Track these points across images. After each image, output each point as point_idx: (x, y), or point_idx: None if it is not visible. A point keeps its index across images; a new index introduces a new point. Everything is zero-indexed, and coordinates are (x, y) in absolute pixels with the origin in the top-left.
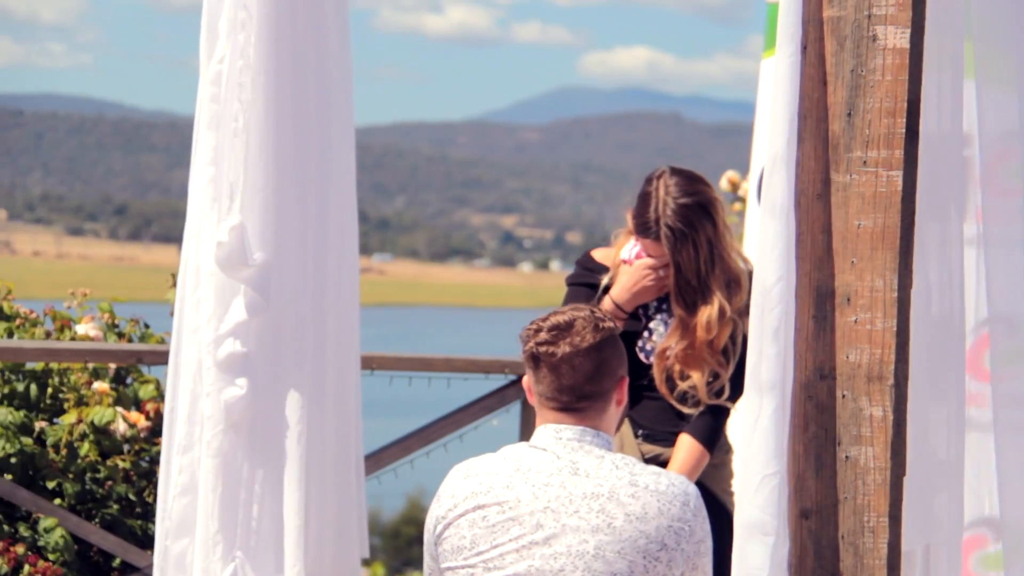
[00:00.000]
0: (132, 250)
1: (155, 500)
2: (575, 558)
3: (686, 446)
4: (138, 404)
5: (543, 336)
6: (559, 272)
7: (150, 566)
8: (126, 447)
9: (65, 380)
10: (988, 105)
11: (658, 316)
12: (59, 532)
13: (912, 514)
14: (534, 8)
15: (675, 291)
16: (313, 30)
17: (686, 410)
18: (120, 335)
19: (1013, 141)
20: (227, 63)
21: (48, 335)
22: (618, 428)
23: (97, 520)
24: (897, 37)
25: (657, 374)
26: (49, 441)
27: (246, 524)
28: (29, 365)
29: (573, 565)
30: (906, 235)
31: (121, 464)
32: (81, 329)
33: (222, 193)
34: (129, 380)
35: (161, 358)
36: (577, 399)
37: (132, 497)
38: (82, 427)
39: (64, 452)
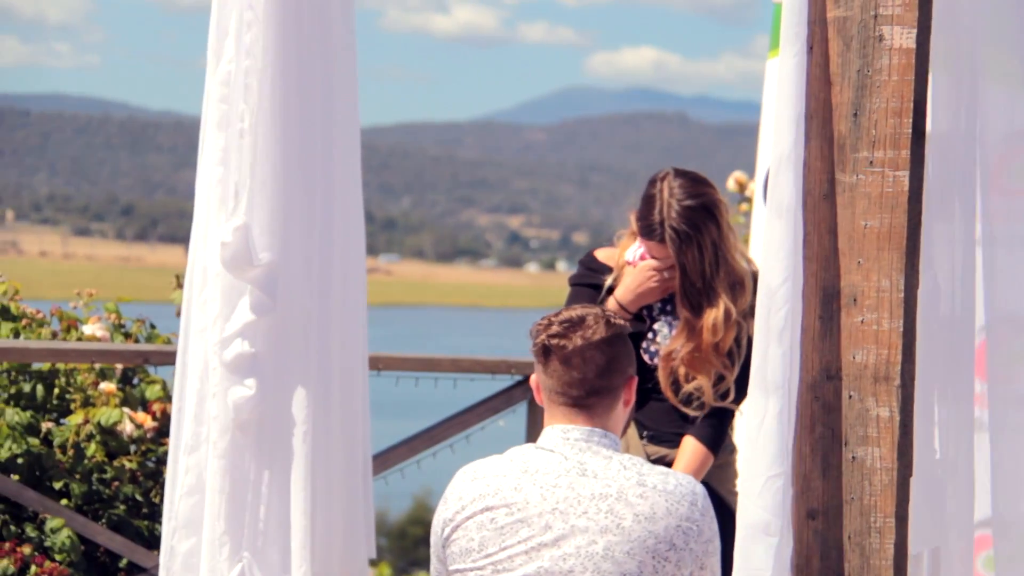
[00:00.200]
0: (138, 250)
1: (162, 501)
2: (584, 559)
3: (690, 449)
4: (145, 405)
5: (555, 329)
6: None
7: (156, 567)
8: (133, 448)
9: (72, 380)
10: (992, 105)
11: (662, 318)
12: (65, 532)
13: (920, 516)
14: (541, 8)
15: (681, 293)
16: (319, 30)
17: (690, 412)
18: (126, 335)
19: (1018, 141)
20: (235, 63)
21: (54, 335)
22: (624, 431)
23: (104, 520)
24: (903, 37)
25: (662, 377)
26: (56, 442)
27: (253, 525)
28: (36, 365)
29: (583, 566)
30: (912, 235)
31: (128, 465)
32: (88, 329)
33: (229, 194)
34: (136, 380)
35: (167, 358)
36: (587, 394)
37: (139, 498)
38: (89, 428)
39: (71, 453)
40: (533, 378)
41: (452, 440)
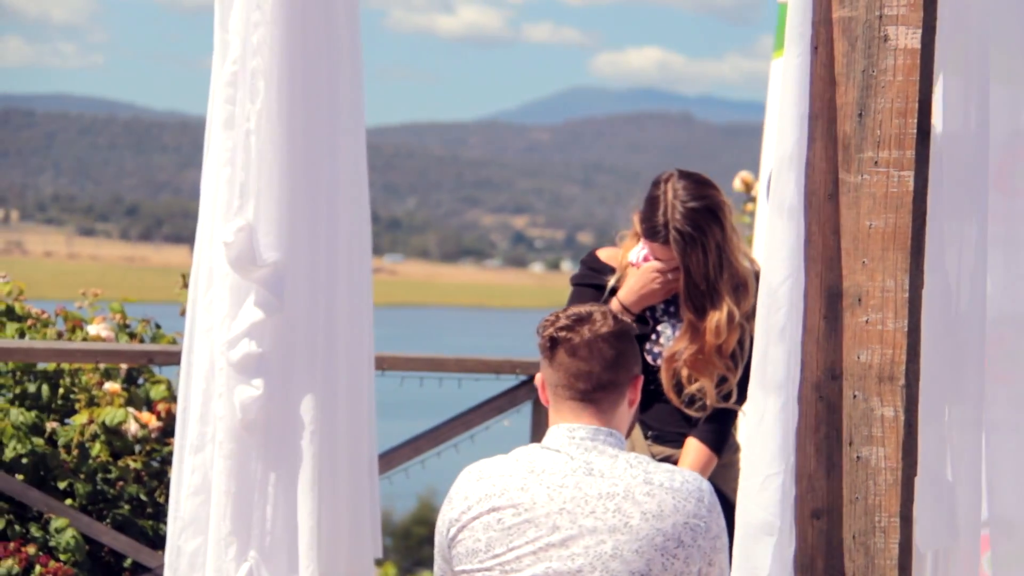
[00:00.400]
0: (143, 250)
1: (166, 500)
2: (593, 559)
3: (693, 450)
4: (149, 404)
5: (562, 322)
6: (570, 272)
7: (161, 566)
8: (137, 447)
9: (76, 380)
10: (995, 105)
11: (665, 319)
12: (70, 532)
13: (929, 516)
14: (545, 8)
15: (684, 295)
16: (325, 30)
17: (693, 413)
18: (131, 335)
19: (1020, 141)
20: (240, 63)
21: (60, 335)
22: (629, 433)
23: (108, 520)
24: (908, 37)
25: (665, 378)
26: (60, 441)
27: (260, 525)
28: (41, 365)
29: (591, 566)
30: (917, 235)
31: (132, 464)
32: (93, 329)
33: (235, 194)
34: (140, 380)
35: (172, 358)
36: (593, 388)
37: (143, 497)
38: (93, 427)
39: (75, 452)
40: (538, 377)
41: (457, 440)
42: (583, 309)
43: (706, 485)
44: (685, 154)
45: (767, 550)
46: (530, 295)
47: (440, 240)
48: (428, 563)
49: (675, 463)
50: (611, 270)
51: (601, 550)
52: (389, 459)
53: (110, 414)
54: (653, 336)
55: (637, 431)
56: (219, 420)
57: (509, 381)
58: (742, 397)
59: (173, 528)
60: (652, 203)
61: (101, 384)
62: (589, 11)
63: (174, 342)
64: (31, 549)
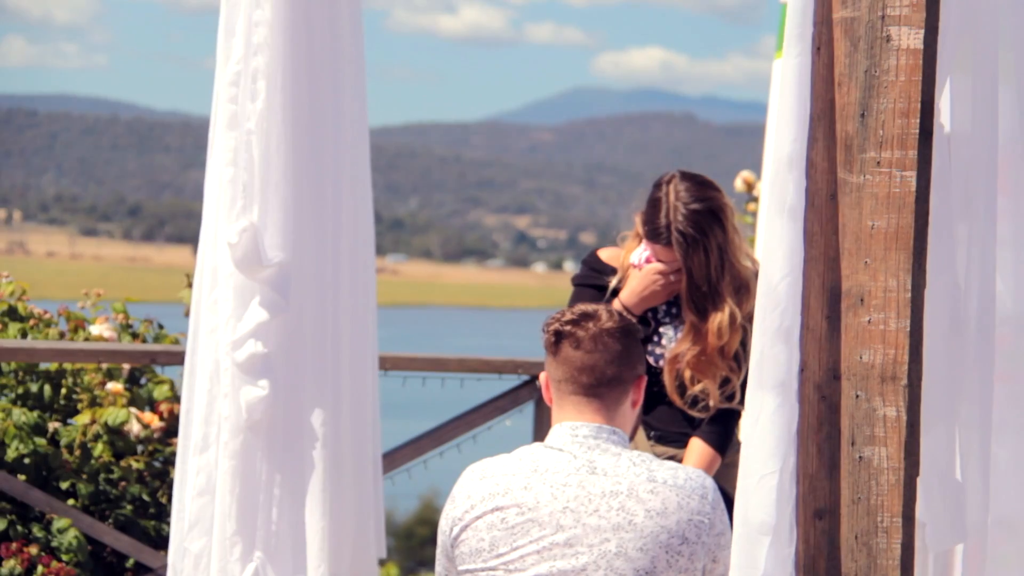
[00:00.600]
0: (145, 251)
1: (169, 501)
2: (597, 557)
3: (697, 450)
4: (152, 405)
5: (568, 317)
6: (572, 272)
7: (164, 567)
8: (140, 448)
9: (79, 381)
10: (1004, 106)
11: (667, 321)
12: (72, 533)
13: (938, 516)
14: (548, 8)
15: (686, 297)
16: (328, 30)
17: (696, 414)
18: (134, 335)
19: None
20: (243, 63)
21: (62, 336)
22: (633, 435)
23: (111, 521)
24: (911, 38)
25: (668, 380)
26: (63, 442)
27: (266, 525)
28: (43, 366)
29: (595, 564)
30: (919, 236)
31: (135, 465)
32: (95, 330)
33: (238, 194)
34: (143, 381)
35: (175, 359)
36: (596, 383)
37: (146, 498)
38: (96, 428)
39: (78, 453)
40: (542, 376)
41: (459, 440)
42: (589, 307)
43: (710, 482)
44: (688, 154)
45: (763, 550)
46: (532, 295)
47: (443, 240)
48: (430, 563)
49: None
50: (612, 270)
51: (605, 548)
52: (391, 459)
53: (112, 414)
54: (655, 338)
55: (640, 432)
56: (224, 420)
57: (511, 381)
58: (745, 397)
59: (177, 529)
60: (654, 205)
61: (103, 384)
62: (591, 11)
63: (177, 342)
64: (33, 549)
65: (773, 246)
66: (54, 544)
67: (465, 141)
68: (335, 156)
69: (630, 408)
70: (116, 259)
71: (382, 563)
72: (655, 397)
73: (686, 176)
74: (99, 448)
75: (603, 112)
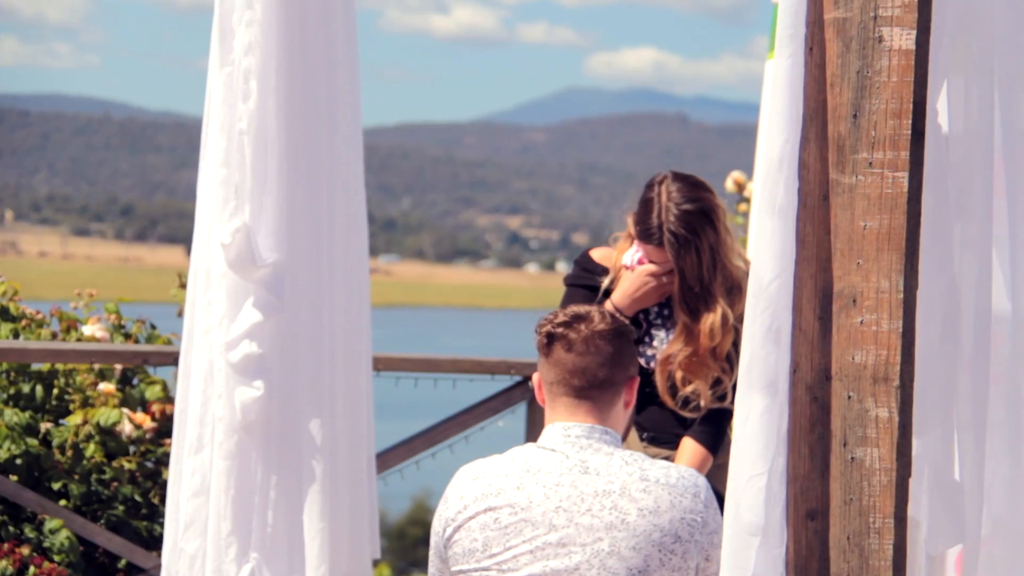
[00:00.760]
0: (138, 251)
1: (161, 501)
2: (591, 556)
3: (689, 450)
4: (144, 405)
5: (560, 319)
6: (565, 273)
7: (156, 567)
8: (132, 448)
9: (71, 381)
10: (1000, 106)
11: (659, 322)
12: (64, 533)
13: (937, 517)
14: (540, 9)
15: (678, 298)
16: (321, 31)
17: (688, 414)
18: (126, 336)
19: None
20: (236, 64)
21: (54, 336)
22: (625, 436)
23: (103, 521)
24: (903, 38)
25: (660, 381)
26: (55, 442)
27: (262, 526)
28: (35, 366)
29: (588, 564)
30: (912, 236)
31: (127, 465)
32: (87, 330)
33: (231, 195)
34: (135, 381)
35: (167, 359)
36: (588, 385)
37: (138, 498)
38: (88, 428)
39: (70, 453)
40: (535, 377)
41: (451, 441)
42: (582, 309)
43: (702, 481)
44: (680, 155)
45: (753, 550)
46: (525, 296)
47: (435, 240)
48: (423, 564)
49: None
50: (604, 271)
51: (598, 548)
52: (384, 460)
53: (104, 415)
54: (646, 339)
55: (632, 433)
56: (218, 421)
57: (504, 382)
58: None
59: (172, 529)
60: (646, 205)
61: (96, 385)
62: (584, 11)
63: (169, 343)
64: (25, 550)
65: (764, 247)
66: (46, 545)
67: (458, 141)
68: (329, 156)
69: (623, 409)
70: (108, 259)
71: (375, 563)
72: (647, 398)
73: (678, 177)
74: (91, 449)
75: (596, 112)
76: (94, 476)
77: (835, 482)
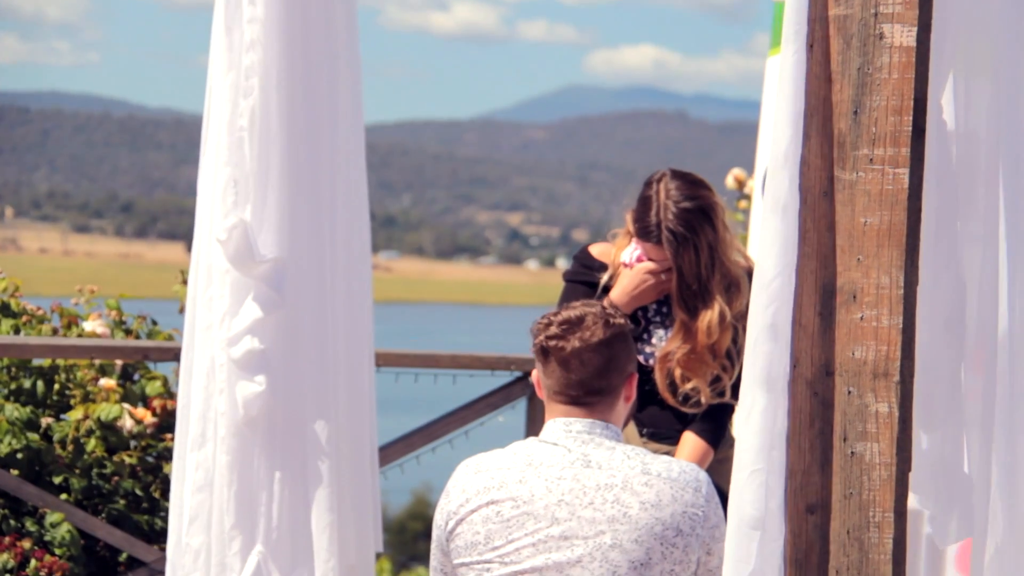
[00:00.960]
0: (138, 247)
1: (162, 495)
2: (593, 549)
3: (690, 445)
4: (145, 400)
5: (553, 330)
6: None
7: (157, 560)
8: (133, 443)
9: (72, 376)
10: (1002, 103)
11: (657, 319)
12: (65, 527)
13: (947, 512)
14: (540, 6)
15: (677, 295)
16: (322, 28)
17: (689, 410)
18: (127, 332)
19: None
20: (237, 61)
21: (55, 332)
22: (624, 425)
23: (104, 515)
24: (904, 35)
25: (659, 378)
26: (55, 437)
27: (267, 520)
28: (36, 361)
29: (591, 556)
30: (912, 232)
31: (128, 460)
32: (88, 326)
33: (231, 191)
34: (136, 377)
35: (168, 355)
36: (586, 394)
37: (138, 492)
38: (89, 423)
39: (71, 448)
40: (534, 373)
41: (451, 436)
42: (574, 313)
43: (703, 475)
44: (680, 152)
45: (755, 544)
46: (525, 292)
47: (435, 237)
48: (423, 558)
49: None
50: (603, 267)
51: (601, 541)
52: (384, 455)
53: (105, 410)
54: (645, 336)
55: (633, 430)
56: (220, 416)
57: (504, 377)
58: (737, 393)
59: (176, 524)
60: (644, 203)
61: (96, 380)
62: (584, 9)
63: (170, 339)
64: (26, 544)
65: (767, 244)
66: (47, 538)
67: (458, 138)
68: (330, 153)
69: (623, 404)
70: (109, 256)
71: (376, 558)
72: (647, 396)
73: (677, 174)
74: (92, 443)
75: (596, 110)
76: (95, 471)
77: (835, 476)
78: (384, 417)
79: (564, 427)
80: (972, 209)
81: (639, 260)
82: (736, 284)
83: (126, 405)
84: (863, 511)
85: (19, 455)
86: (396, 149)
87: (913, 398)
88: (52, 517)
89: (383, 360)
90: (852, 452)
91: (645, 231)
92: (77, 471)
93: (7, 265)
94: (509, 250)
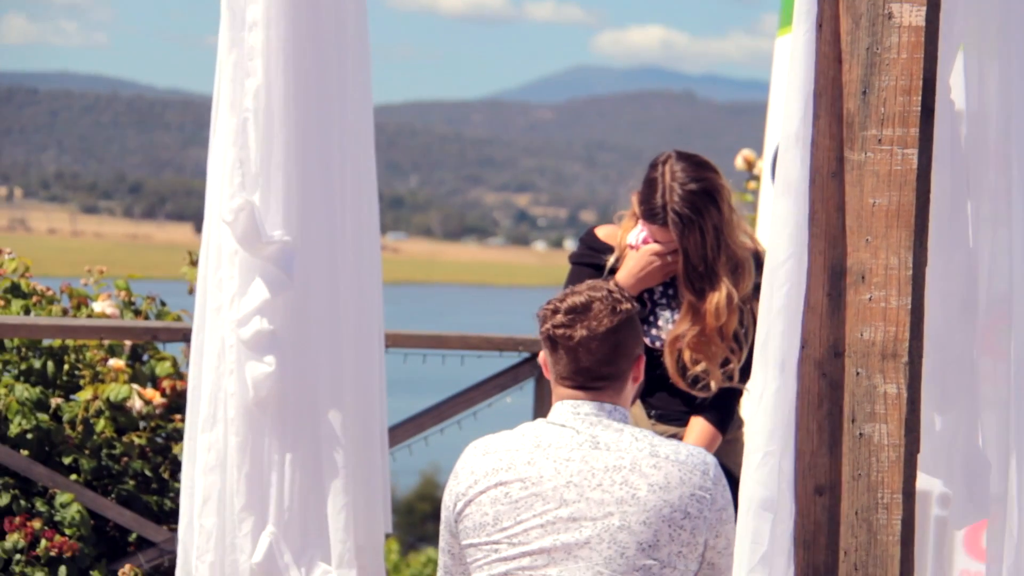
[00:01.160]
0: (146, 228)
1: (171, 476)
2: (601, 531)
3: (698, 428)
4: (154, 381)
5: (560, 319)
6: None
7: (166, 541)
8: (142, 424)
9: (81, 357)
10: (1013, 83)
11: (663, 302)
12: (75, 507)
13: (961, 494)
14: None
15: (683, 277)
16: (331, 7)
17: (698, 394)
18: (136, 312)
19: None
20: (245, 41)
21: (65, 312)
22: (632, 402)
23: (113, 495)
24: (913, 15)
25: (670, 362)
26: (65, 417)
27: (278, 501)
28: (46, 342)
29: (599, 538)
30: (921, 213)
31: (137, 440)
32: (98, 307)
33: (238, 172)
34: (145, 357)
35: (177, 335)
36: (594, 379)
37: (148, 473)
38: (98, 404)
39: (80, 428)
40: (542, 355)
41: (459, 417)
42: (581, 299)
43: (711, 458)
44: (688, 132)
45: (767, 525)
46: (533, 273)
47: (443, 218)
48: (431, 539)
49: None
50: (609, 248)
51: (609, 522)
52: (393, 435)
53: (114, 390)
54: (651, 318)
55: (641, 411)
56: (231, 397)
57: (512, 358)
58: (745, 376)
59: (188, 505)
60: (650, 185)
61: (106, 361)
62: None
63: (179, 319)
64: (37, 523)
65: (778, 226)
66: (57, 518)
67: (465, 119)
68: (339, 134)
69: (631, 385)
70: (117, 236)
71: (385, 538)
72: (656, 381)
73: (682, 156)
74: (101, 424)
75: (603, 90)
76: (104, 451)
77: (844, 458)
78: (393, 398)
79: (572, 409)
80: (982, 190)
81: (645, 242)
82: (742, 266)
83: (135, 386)
84: (872, 492)
85: (29, 435)
86: (404, 130)
87: (922, 379)
88: (62, 497)
89: (392, 341)
90: (861, 433)
91: (651, 213)
92: (87, 451)
93: (16, 245)
94: (517, 231)
